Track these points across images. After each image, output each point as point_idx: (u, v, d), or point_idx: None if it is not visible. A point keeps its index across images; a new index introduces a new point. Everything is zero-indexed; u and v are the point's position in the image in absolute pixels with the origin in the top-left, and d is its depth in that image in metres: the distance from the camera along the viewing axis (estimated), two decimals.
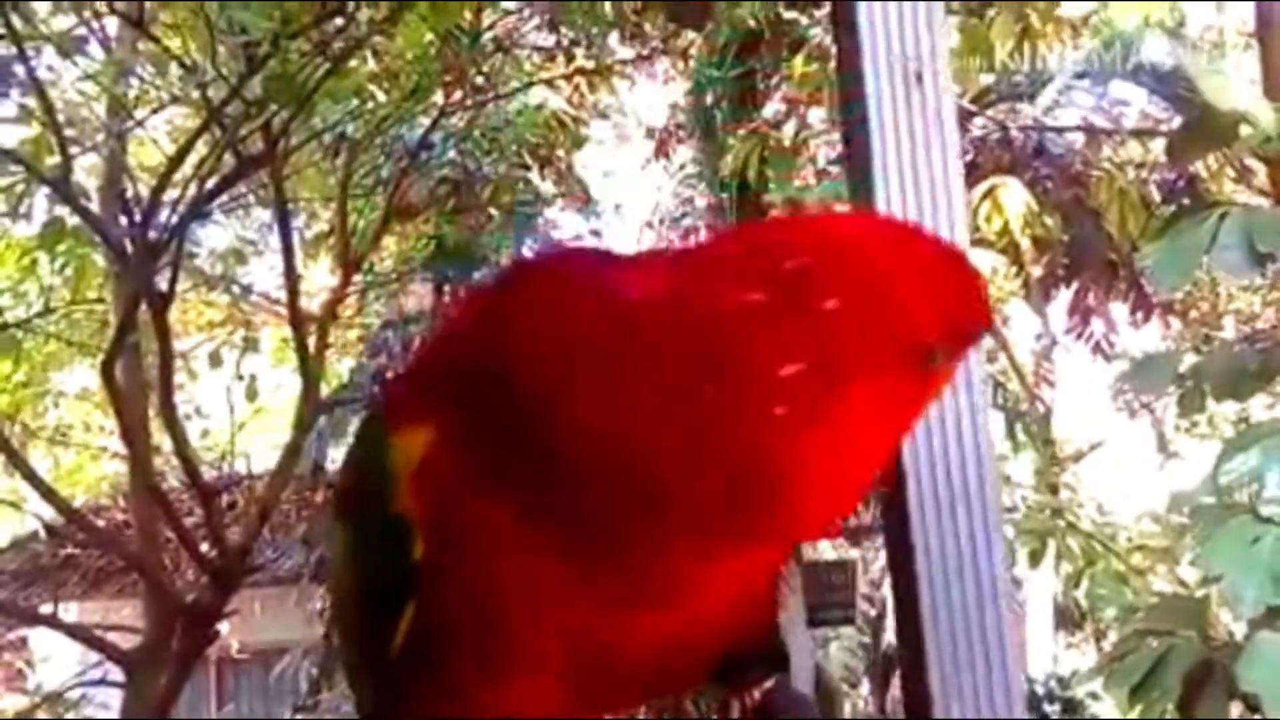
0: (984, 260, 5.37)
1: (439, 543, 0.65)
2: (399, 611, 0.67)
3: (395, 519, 0.66)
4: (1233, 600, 2.09)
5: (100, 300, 4.51)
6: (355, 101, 4.26)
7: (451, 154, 6.18)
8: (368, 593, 0.71)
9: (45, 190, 3.80)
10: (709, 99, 6.42)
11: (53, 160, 3.46)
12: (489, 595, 0.64)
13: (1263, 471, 2.14)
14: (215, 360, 4.66)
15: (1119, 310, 8.54)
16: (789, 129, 6.51)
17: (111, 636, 3.89)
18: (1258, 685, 2.00)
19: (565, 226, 7.34)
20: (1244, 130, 2.48)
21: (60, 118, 3.46)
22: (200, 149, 3.51)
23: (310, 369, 3.97)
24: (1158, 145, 7.58)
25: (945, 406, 0.85)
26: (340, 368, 7.79)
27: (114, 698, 3.83)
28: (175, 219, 3.26)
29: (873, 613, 9.48)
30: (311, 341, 4.13)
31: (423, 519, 0.65)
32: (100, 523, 5.83)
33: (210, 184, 3.31)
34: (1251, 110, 2.43)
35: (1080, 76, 5.81)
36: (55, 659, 5.65)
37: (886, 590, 9.77)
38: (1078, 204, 6.92)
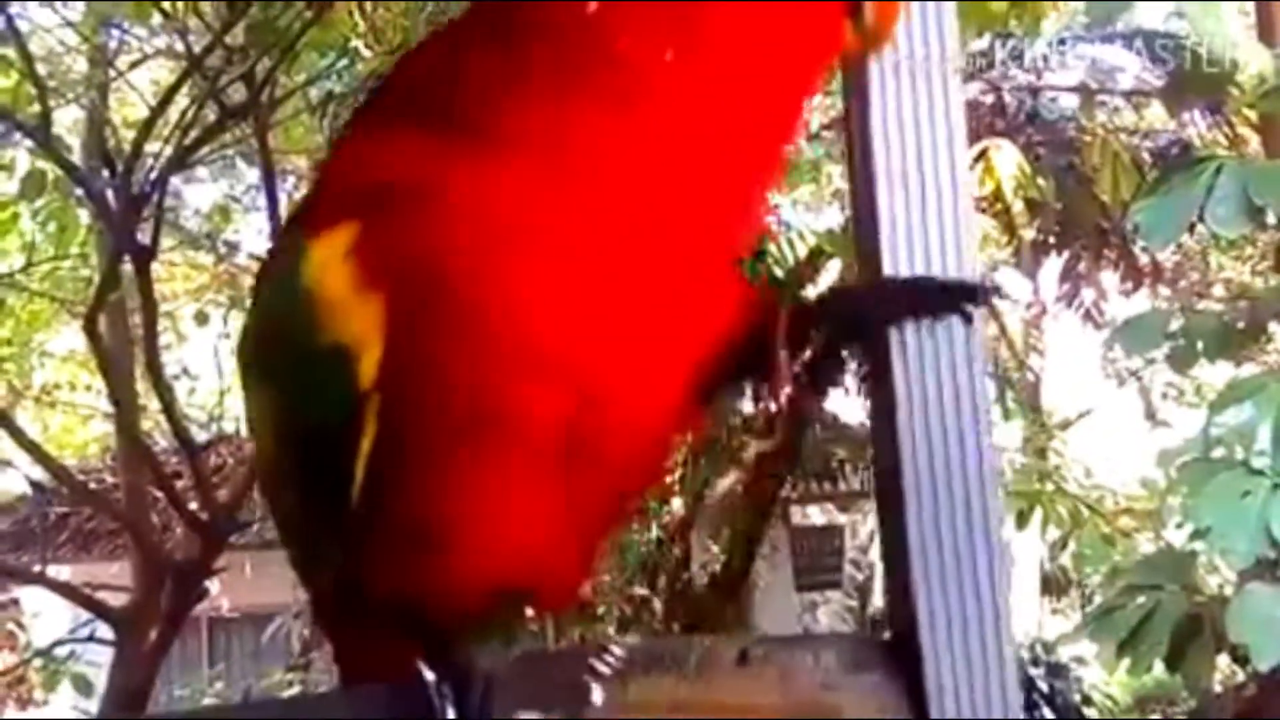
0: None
1: (404, 313, 0.59)
2: (354, 449, 0.61)
3: (333, 348, 0.60)
4: (1222, 552, 2.10)
5: (84, 256, 4.45)
6: (341, 59, 4.18)
7: None
8: (315, 441, 0.64)
9: (26, 143, 3.73)
10: None
11: (32, 110, 3.39)
12: (477, 356, 0.58)
13: (1255, 424, 2.14)
14: (201, 318, 4.62)
15: (1109, 279, 8.54)
16: None
17: (101, 596, 3.88)
18: (1246, 636, 2.01)
19: None
20: (1244, 73, 2.45)
21: (39, 67, 3.39)
22: (183, 101, 3.45)
23: None
24: (1151, 112, 7.54)
25: (943, 382, 0.81)
26: None
27: (104, 655, 3.83)
28: (158, 171, 3.21)
29: (860, 577, 9.57)
30: None
31: (385, 296, 0.59)
32: (90, 484, 5.80)
33: (193, 135, 3.25)
34: (1248, 52, 2.40)
35: (1072, 39, 5.75)
36: (46, 618, 5.65)
37: (874, 555, 9.86)
38: (1070, 170, 6.88)
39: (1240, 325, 2.75)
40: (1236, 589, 2.12)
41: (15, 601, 6.70)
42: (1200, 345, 2.72)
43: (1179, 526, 2.36)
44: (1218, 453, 2.32)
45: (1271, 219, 2.71)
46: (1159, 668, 2.51)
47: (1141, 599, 2.40)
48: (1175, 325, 2.82)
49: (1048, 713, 8.69)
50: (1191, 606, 2.27)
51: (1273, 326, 3.32)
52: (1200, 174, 2.43)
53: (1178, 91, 2.72)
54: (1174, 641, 2.26)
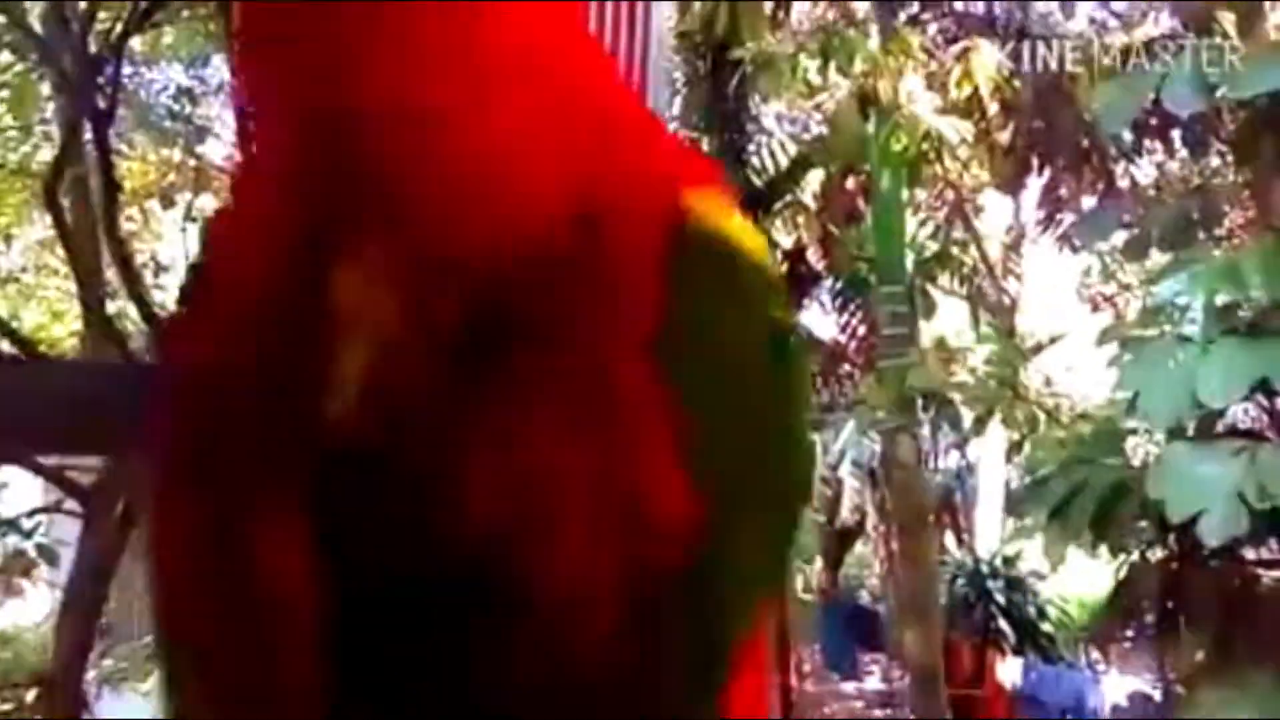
0: (952, 127, 5.32)
1: None
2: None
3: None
4: (1146, 415, 2.16)
5: (47, 136, 4.38)
6: None
7: None
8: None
9: None
10: None
11: None
12: None
13: (1189, 295, 2.19)
14: (167, 201, 4.57)
15: (1089, 204, 8.55)
16: None
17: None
18: (1163, 492, 2.08)
19: None
20: None
21: None
22: None
23: None
24: (1143, 31, 7.45)
25: None
26: None
27: (71, 532, 3.88)
28: (116, 34, 3.15)
29: (828, 493, 9.77)
30: None
31: None
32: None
33: None
34: None
35: None
36: (13, 490, 5.71)
37: (843, 472, 10.04)
38: (1055, 89, 6.82)
39: (1195, 215, 2.78)
40: (1160, 453, 2.19)
41: None
42: (1155, 233, 2.75)
43: (1115, 389, 2.42)
44: (1156, 333, 2.37)
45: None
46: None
47: (1074, 473, 2.48)
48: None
49: (1004, 624, 8.98)
50: (1120, 474, 2.34)
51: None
52: (1155, 56, 2.44)
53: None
54: (1100, 508, 2.34)
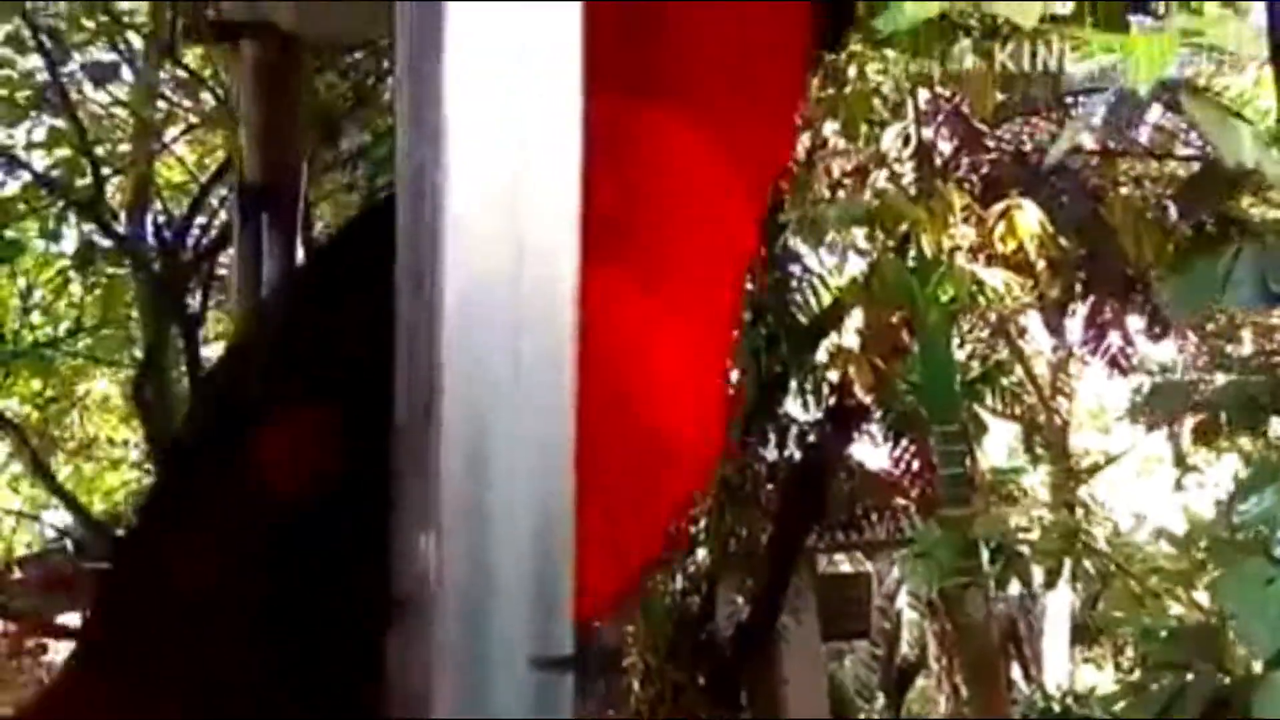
0: (998, 278, 5.39)
1: None
2: None
3: None
4: (1246, 641, 2.11)
5: (129, 317, 4.57)
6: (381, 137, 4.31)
7: None
8: None
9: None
10: None
11: (84, 182, 3.53)
12: None
13: (1276, 513, 2.16)
14: None
15: (1135, 324, 8.50)
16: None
17: None
18: (1271, 716, 2.02)
19: None
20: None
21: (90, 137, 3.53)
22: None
23: None
24: (1173, 163, 7.56)
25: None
26: None
27: None
28: (207, 242, 3.33)
29: (887, 625, 9.48)
30: None
31: None
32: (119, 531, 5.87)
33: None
34: (1260, 162, 2.46)
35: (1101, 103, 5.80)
36: None
37: (901, 604, 9.78)
38: (1095, 220, 6.90)
39: (1265, 399, 2.78)
40: (1264, 674, 2.13)
41: (44, 648, 6.78)
42: (1225, 416, 2.75)
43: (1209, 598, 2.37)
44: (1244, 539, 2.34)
45: None
46: None
47: (1171, 677, 2.41)
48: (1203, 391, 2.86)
49: None
50: (1220, 685, 2.28)
51: None
52: (1220, 256, 2.49)
53: (1195, 196, 2.79)
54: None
